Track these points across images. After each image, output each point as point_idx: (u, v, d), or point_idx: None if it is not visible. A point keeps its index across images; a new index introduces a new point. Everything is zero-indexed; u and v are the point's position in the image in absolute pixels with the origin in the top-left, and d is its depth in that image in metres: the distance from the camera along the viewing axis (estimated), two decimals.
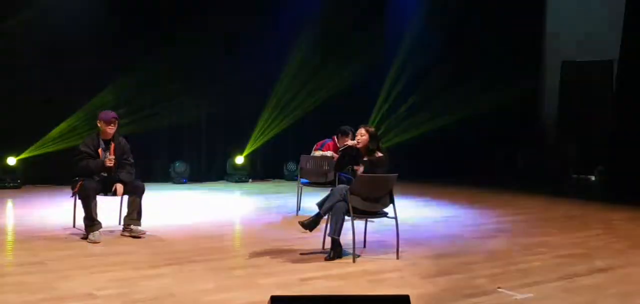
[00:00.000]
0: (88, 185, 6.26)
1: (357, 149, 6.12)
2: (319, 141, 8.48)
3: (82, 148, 6.45)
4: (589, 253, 6.45)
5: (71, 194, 6.51)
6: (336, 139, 8.25)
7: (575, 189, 11.84)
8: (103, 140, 6.51)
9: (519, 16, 13.04)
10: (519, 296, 4.78)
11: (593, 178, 12.38)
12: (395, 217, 5.88)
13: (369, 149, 6.04)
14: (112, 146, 6.53)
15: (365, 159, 6.05)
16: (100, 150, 6.47)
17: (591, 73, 12.84)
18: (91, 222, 6.24)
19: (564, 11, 13.34)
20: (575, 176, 12.67)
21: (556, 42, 13.45)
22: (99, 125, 6.53)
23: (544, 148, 13.53)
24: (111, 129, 6.49)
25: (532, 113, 13.83)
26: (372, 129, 6.14)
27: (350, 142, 6.33)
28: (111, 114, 6.56)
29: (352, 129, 8.25)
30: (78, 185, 6.30)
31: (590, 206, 9.89)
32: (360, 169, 5.99)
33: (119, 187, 6.46)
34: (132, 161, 6.67)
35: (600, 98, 12.55)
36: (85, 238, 6.26)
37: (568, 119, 13.22)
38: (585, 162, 12.59)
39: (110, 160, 6.42)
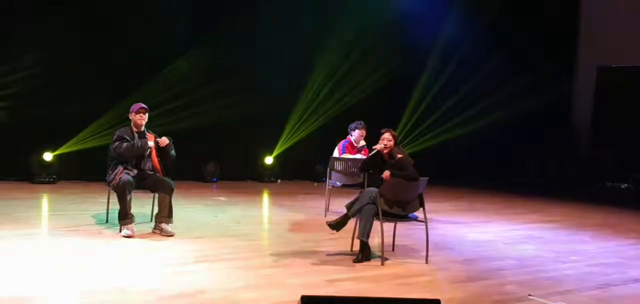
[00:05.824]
0: (125, 180, 6.38)
1: (382, 155, 6.12)
2: (339, 142, 8.48)
3: (119, 133, 6.58)
4: (624, 262, 6.33)
5: (108, 184, 6.59)
6: (351, 138, 8.30)
7: (609, 197, 11.62)
8: (137, 133, 6.64)
9: (553, 20, 12.86)
10: None
11: (627, 186, 12.14)
12: (425, 221, 5.85)
13: (391, 153, 6.08)
14: (149, 135, 6.69)
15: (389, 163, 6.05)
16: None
17: (626, 79, 12.60)
18: (125, 216, 6.39)
19: (598, 15, 13.11)
20: (609, 183, 12.43)
21: (591, 47, 13.23)
22: (130, 117, 6.68)
23: (578, 155, 13.31)
24: (141, 120, 6.62)
25: (565, 119, 13.61)
26: (395, 133, 6.23)
27: (378, 147, 6.31)
28: (139, 105, 6.70)
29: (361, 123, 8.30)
30: (116, 179, 6.41)
31: (625, 214, 9.70)
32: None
33: (163, 140, 6.62)
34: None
35: (636, 104, 12.31)
36: (119, 231, 6.38)
37: (602, 126, 12.99)
38: (620, 170, 12.35)
39: (151, 139, 6.61)
